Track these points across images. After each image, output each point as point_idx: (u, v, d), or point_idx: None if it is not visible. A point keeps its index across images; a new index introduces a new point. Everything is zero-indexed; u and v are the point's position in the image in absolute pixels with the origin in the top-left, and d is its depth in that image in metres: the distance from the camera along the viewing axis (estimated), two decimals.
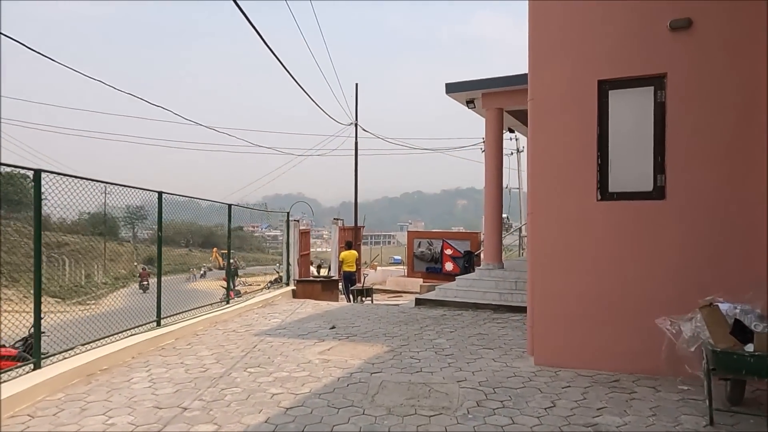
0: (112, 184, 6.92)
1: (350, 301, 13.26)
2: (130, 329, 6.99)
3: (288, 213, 13.41)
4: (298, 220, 14.59)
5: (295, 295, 12.32)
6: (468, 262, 15.68)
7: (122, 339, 6.63)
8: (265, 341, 7.20)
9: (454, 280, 16.18)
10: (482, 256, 18.26)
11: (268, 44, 9.07)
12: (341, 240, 20.11)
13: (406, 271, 22.19)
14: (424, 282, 18.01)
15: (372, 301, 13.42)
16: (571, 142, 5.70)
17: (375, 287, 17.84)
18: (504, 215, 14.48)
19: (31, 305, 5.32)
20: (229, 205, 10.00)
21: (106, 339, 6.44)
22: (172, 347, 6.87)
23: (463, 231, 30.17)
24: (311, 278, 13.73)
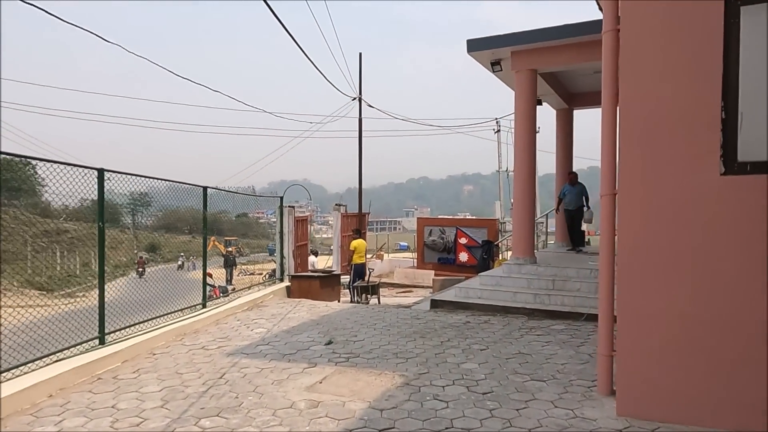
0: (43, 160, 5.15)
1: (354, 301, 11.47)
2: (60, 350, 5.24)
3: (281, 198, 11.58)
4: (293, 207, 12.77)
5: (289, 293, 10.57)
6: (487, 253, 13.87)
7: (43, 367, 4.89)
8: (239, 366, 5.44)
9: (470, 272, 14.40)
10: (501, 246, 16.45)
11: (285, 25, 8.40)
12: (345, 228, 18.33)
13: (415, 261, 20.38)
14: (436, 275, 16.22)
15: (379, 301, 11.66)
16: (678, 88, 3.81)
17: (382, 280, 16.10)
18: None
19: None
20: (204, 188, 8.21)
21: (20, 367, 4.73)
22: (112, 377, 5.11)
23: (476, 218, 28.24)
24: (308, 273, 11.94)
